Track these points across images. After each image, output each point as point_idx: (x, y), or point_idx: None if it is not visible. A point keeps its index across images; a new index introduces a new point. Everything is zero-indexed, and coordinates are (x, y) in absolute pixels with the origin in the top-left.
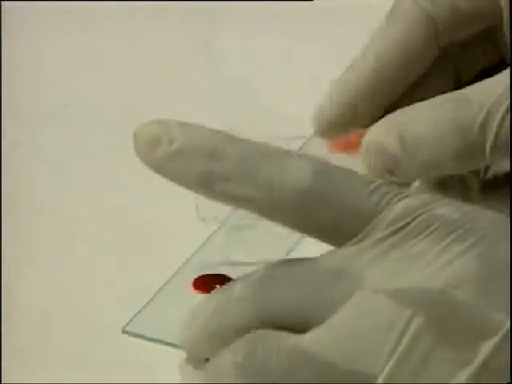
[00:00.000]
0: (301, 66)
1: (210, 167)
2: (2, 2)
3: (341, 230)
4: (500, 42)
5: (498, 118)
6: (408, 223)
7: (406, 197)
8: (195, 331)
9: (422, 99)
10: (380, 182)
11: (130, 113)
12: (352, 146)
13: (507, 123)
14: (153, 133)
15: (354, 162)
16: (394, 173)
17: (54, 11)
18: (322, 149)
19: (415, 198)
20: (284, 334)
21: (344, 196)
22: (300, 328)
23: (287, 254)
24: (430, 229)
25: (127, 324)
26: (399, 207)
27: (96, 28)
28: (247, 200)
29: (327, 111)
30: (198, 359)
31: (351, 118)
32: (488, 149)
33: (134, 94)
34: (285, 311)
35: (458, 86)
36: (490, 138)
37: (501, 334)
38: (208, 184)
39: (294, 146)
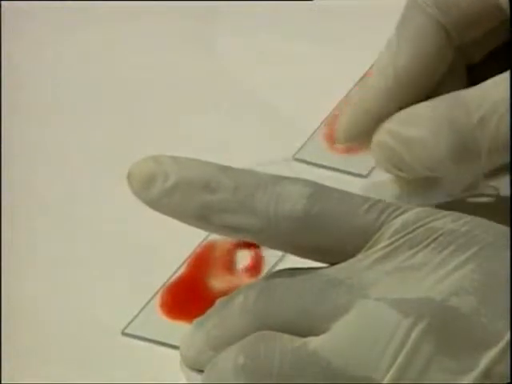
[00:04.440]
0: (301, 66)
1: (206, 200)
2: (2, 2)
3: (339, 251)
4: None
5: (494, 121)
6: (408, 235)
7: (405, 211)
8: (197, 341)
9: None
10: (375, 199)
11: (130, 112)
12: (350, 147)
13: (503, 127)
14: (147, 171)
15: (353, 163)
16: (401, 169)
17: (53, 11)
18: (321, 149)
19: (414, 211)
20: (287, 337)
21: (339, 217)
22: (301, 336)
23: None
24: (430, 239)
25: (127, 326)
26: (399, 221)
27: (96, 28)
28: (244, 230)
29: (345, 126)
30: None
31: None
32: (484, 151)
33: (134, 93)
34: (286, 320)
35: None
36: (486, 140)
37: (502, 343)
38: (205, 216)
39: (294, 146)
